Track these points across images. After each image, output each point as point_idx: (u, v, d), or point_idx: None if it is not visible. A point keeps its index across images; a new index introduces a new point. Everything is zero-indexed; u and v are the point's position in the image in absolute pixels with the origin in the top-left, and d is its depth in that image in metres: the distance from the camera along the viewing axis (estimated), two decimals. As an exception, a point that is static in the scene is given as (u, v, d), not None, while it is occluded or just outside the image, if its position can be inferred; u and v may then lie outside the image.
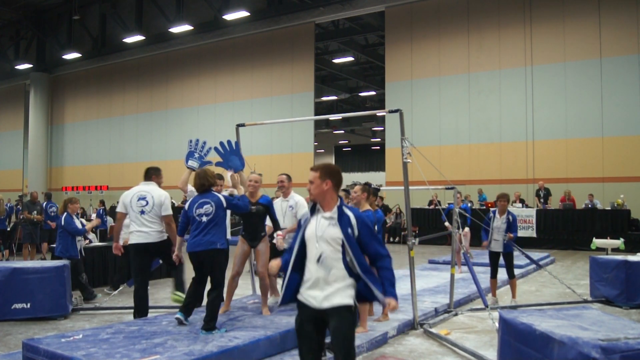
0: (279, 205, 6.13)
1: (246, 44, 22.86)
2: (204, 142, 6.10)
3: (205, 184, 5.18)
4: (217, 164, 6.19)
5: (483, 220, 7.49)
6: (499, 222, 7.25)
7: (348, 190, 5.71)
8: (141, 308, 5.63)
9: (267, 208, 5.84)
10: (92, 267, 8.88)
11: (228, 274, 6.11)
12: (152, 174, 5.90)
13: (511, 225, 7.17)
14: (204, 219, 5.03)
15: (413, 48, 19.32)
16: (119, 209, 5.78)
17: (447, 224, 9.32)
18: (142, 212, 5.59)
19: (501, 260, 7.34)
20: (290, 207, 6.13)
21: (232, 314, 5.46)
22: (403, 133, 6.03)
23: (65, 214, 7.63)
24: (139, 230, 5.58)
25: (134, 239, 5.61)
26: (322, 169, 3.17)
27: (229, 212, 5.97)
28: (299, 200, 6.21)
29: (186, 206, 5.27)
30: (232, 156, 5.96)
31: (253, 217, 5.77)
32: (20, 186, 29.31)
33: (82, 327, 6.06)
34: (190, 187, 5.94)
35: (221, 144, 6.03)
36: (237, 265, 5.88)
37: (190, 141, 6.10)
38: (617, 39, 16.05)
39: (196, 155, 6.05)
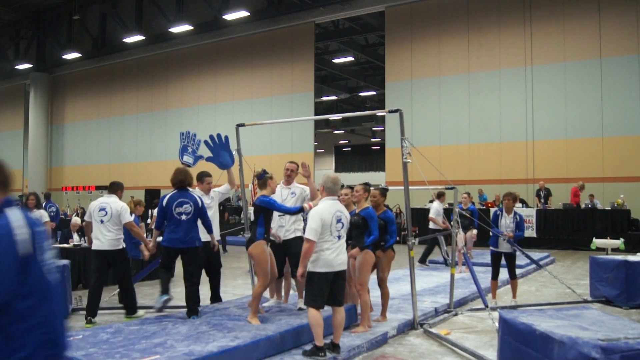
0: (278, 192, 5.81)
1: (246, 44, 22.87)
2: (194, 135, 6.13)
3: (185, 181, 5.46)
4: (208, 159, 6.19)
5: (491, 219, 7.41)
6: (507, 221, 7.12)
7: (352, 187, 5.72)
8: (93, 307, 6.07)
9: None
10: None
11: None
12: (117, 189, 6.52)
13: (518, 225, 7.11)
14: (184, 217, 5.33)
15: (413, 48, 19.33)
16: (86, 218, 6.35)
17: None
18: (102, 222, 6.16)
19: (502, 262, 7.30)
20: (292, 193, 5.92)
21: (233, 313, 5.46)
22: (403, 133, 6.02)
23: (133, 216, 7.53)
24: (96, 238, 6.20)
25: (93, 246, 6.21)
26: None
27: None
28: (304, 187, 6.02)
29: (164, 202, 5.43)
30: (222, 152, 5.99)
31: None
32: (20, 186, 29.31)
33: (82, 327, 6.06)
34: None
35: (211, 137, 6.04)
36: (268, 271, 5.32)
37: (182, 134, 6.12)
38: (617, 39, 16.05)
39: (189, 149, 6.07)
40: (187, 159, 6.02)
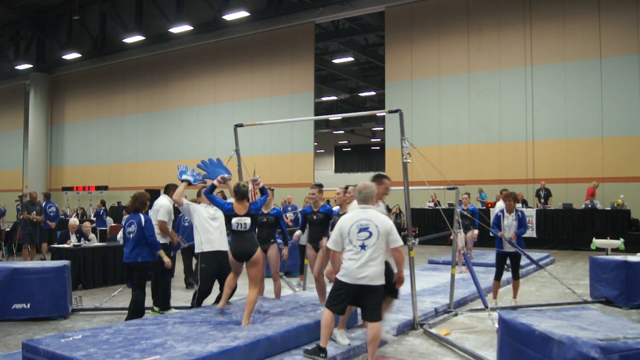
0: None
1: (246, 44, 22.87)
2: (192, 169, 6.22)
3: (138, 210, 6.03)
4: (205, 177, 6.26)
5: (492, 221, 7.38)
6: (509, 221, 7.08)
7: (347, 187, 5.78)
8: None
9: (277, 219, 6.52)
10: (93, 267, 8.88)
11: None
12: (169, 189, 6.77)
13: (521, 222, 7.06)
14: (131, 235, 6.01)
15: (413, 48, 19.33)
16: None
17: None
18: None
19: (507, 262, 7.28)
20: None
21: (235, 314, 5.46)
22: (403, 133, 6.03)
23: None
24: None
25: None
26: None
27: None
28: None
29: (123, 223, 6.16)
30: (217, 169, 6.08)
31: (264, 227, 6.49)
32: (20, 186, 29.32)
33: (82, 327, 6.06)
34: (186, 201, 6.02)
35: (203, 162, 6.11)
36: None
37: (180, 166, 6.20)
38: (617, 39, 16.05)
39: (188, 172, 6.12)
40: (187, 177, 6.07)
